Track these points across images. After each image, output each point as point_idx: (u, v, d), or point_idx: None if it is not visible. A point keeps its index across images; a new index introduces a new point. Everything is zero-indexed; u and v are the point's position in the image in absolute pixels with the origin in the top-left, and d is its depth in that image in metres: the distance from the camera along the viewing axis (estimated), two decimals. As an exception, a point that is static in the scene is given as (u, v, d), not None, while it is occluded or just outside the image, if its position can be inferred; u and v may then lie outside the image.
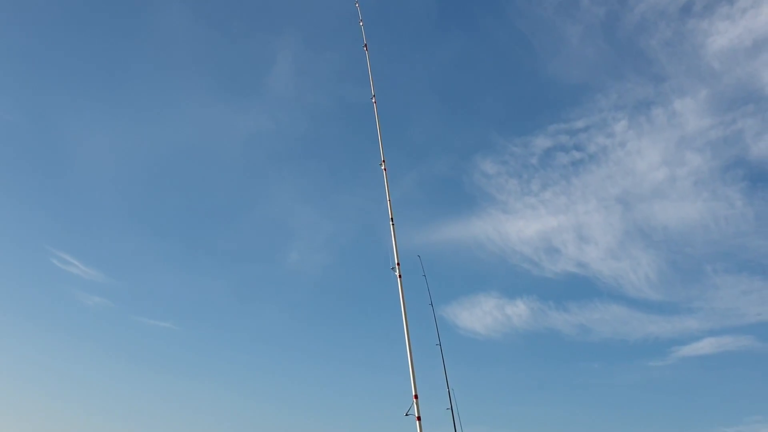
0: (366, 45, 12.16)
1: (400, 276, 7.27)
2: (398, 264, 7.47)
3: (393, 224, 8.87)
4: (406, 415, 3.53)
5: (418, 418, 3.48)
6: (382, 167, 10.29)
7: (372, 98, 11.30)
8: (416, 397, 3.54)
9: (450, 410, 6.49)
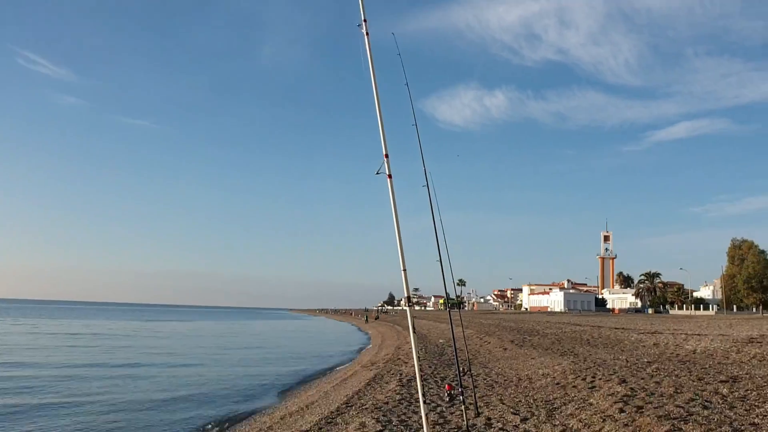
0: None
1: (367, 33, 6.80)
2: (365, 21, 6.93)
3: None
4: (377, 173, 3.48)
5: (389, 176, 3.43)
6: None
7: None
8: (386, 156, 3.45)
9: (426, 187, 6.55)
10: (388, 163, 3.48)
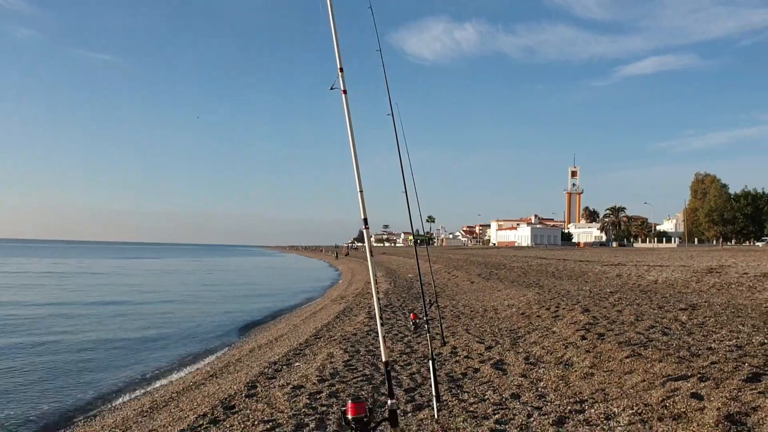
0: None
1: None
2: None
3: None
4: (331, 89, 3.27)
5: (344, 92, 3.23)
6: None
7: None
8: (341, 70, 3.24)
9: (390, 116, 6.31)
10: (342, 77, 3.27)
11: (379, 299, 3.13)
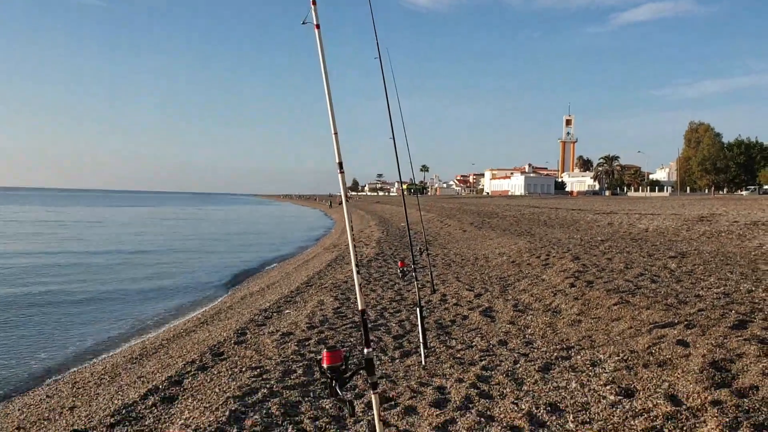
0: None
1: None
2: None
3: None
4: (303, 23, 3.08)
5: (317, 26, 3.05)
6: None
7: None
8: (314, 2, 3.05)
9: (378, 59, 6.08)
10: (315, 10, 3.08)
11: (354, 246, 3.03)
